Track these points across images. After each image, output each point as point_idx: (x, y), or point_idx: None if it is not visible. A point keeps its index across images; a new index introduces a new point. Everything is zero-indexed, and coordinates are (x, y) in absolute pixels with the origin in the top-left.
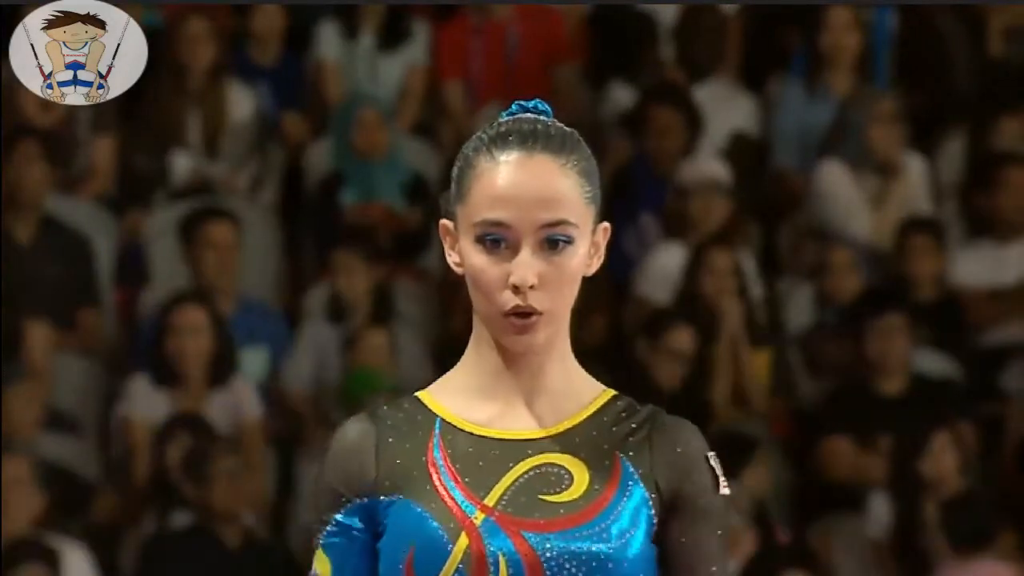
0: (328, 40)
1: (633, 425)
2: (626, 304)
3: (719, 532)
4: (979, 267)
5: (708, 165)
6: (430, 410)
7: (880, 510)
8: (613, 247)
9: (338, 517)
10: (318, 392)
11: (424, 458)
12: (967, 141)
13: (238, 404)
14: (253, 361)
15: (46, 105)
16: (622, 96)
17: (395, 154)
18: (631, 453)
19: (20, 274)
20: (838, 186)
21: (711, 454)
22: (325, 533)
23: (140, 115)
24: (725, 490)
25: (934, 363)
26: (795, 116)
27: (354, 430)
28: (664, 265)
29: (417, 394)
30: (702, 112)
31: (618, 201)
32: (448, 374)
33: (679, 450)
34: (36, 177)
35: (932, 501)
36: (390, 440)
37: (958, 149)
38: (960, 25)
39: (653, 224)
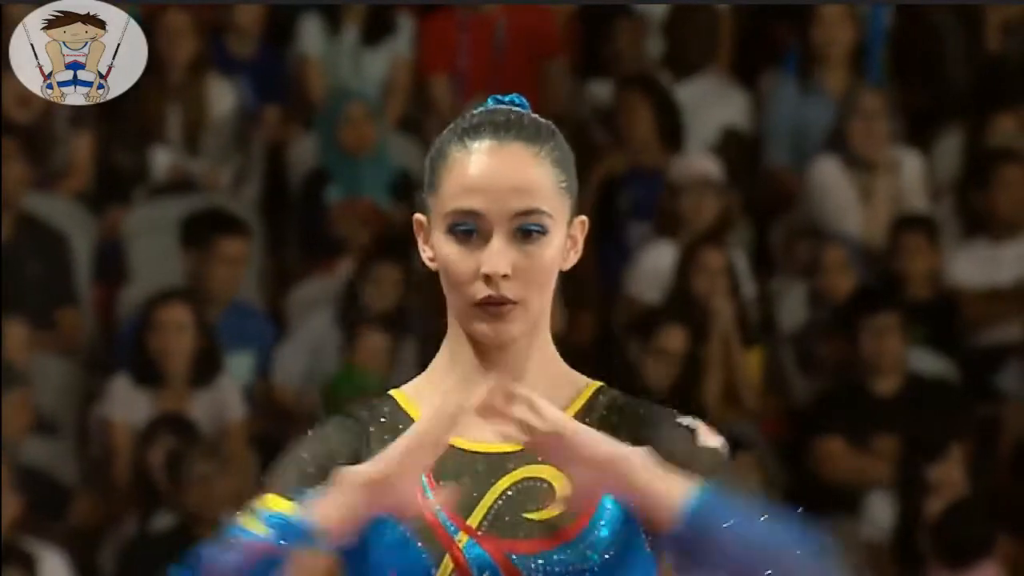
0: (311, 34)
1: (614, 419)
2: (617, 303)
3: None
4: (975, 266)
5: (699, 162)
6: (409, 417)
7: (876, 512)
8: (603, 245)
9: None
10: (306, 391)
11: None
12: (963, 138)
13: (222, 404)
14: (237, 361)
15: (24, 101)
16: (605, 91)
17: (381, 150)
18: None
19: None
20: (831, 183)
21: (686, 418)
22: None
23: (119, 110)
24: (710, 441)
25: (929, 363)
26: (788, 112)
27: (343, 426)
28: (655, 264)
29: (392, 393)
30: (679, 104)
31: (607, 198)
32: (423, 376)
33: (643, 425)
34: (13, 174)
35: (930, 504)
36: (372, 448)
37: (954, 146)
38: (957, 20)
39: (643, 222)
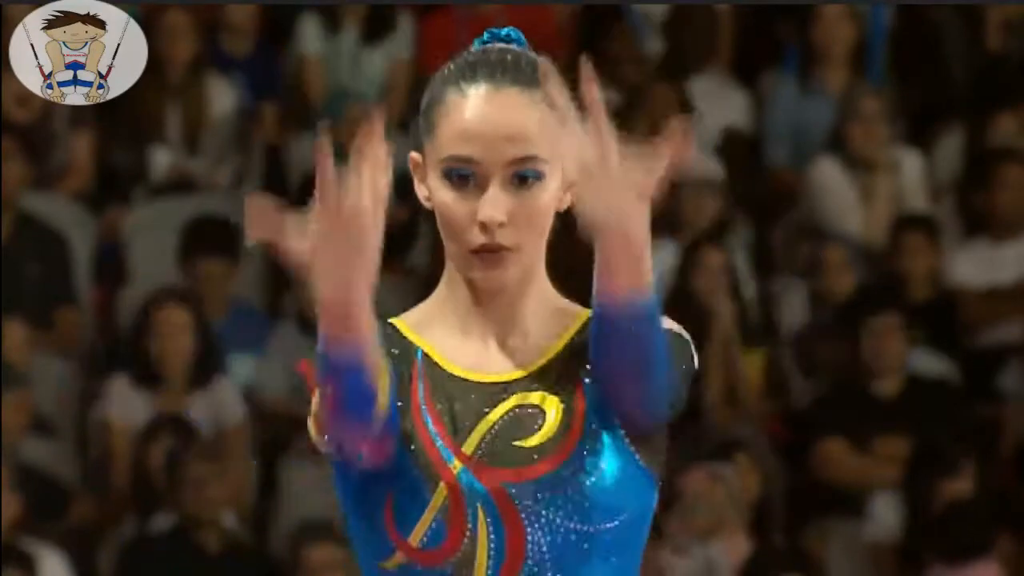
0: (310, 34)
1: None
2: None
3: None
4: (976, 266)
5: (700, 162)
6: (409, 340)
7: (879, 513)
8: None
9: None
10: (298, 395)
11: (409, 388)
12: (964, 137)
13: (220, 406)
14: (235, 363)
15: (22, 100)
16: (607, 91)
17: None
18: (587, 367)
19: None
20: (832, 183)
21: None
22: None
23: (118, 110)
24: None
25: (930, 364)
26: (788, 112)
27: None
28: (655, 264)
29: (391, 320)
30: (695, 104)
31: None
32: (420, 308)
33: None
34: (12, 173)
35: (933, 506)
36: (390, 352)
37: (955, 145)
38: (957, 19)
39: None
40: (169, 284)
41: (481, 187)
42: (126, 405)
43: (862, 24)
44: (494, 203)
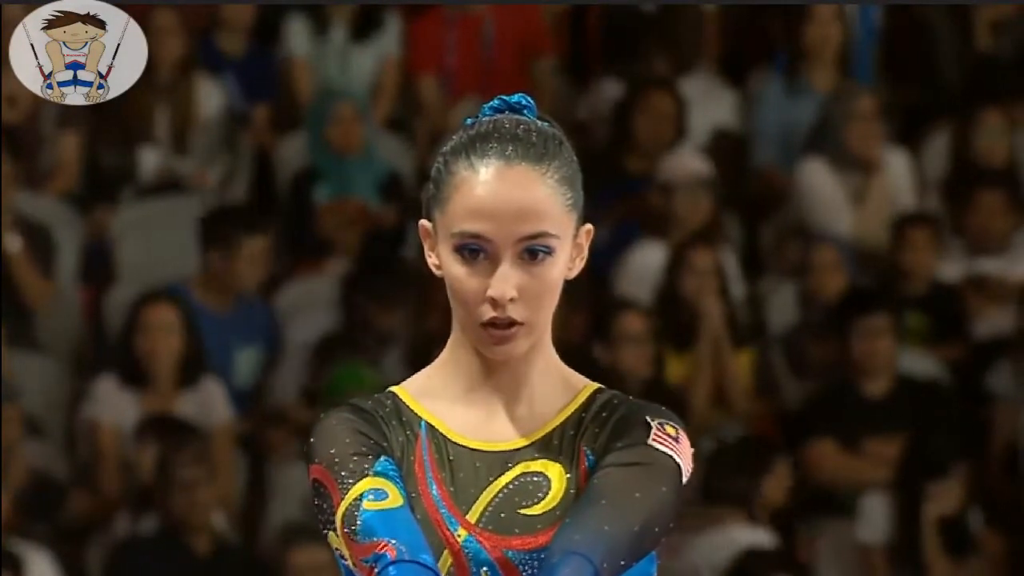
0: (298, 34)
1: (604, 414)
2: (606, 304)
3: (634, 463)
4: (966, 264)
5: (689, 162)
6: (412, 410)
7: (869, 514)
8: (593, 244)
9: (384, 459)
10: (296, 394)
11: (413, 458)
12: (953, 137)
13: (209, 405)
14: (243, 357)
15: (11, 100)
16: (605, 91)
17: (369, 150)
18: (594, 445)
19: None
20: (821, 183)
21: (661, 421)
22: (379, 461)
23: (107, 110)
24: (663, 447)
25: (920, 364)
26: (777, 112)
27: (358, 405)
28: (645, 264)
29: (393, 390)
30: (688, 105)
31: (597, 197)
32: (424, 375)
33: (622, 414)
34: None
35: (923, 506)
36: (390, 424)
37: (944, 145)
38: (947, 19)
39: (633, 222)
40: (157, 283)
41: (492, 262)
42: (114, 405)
43: (851, 24)
44: (505, 279)
